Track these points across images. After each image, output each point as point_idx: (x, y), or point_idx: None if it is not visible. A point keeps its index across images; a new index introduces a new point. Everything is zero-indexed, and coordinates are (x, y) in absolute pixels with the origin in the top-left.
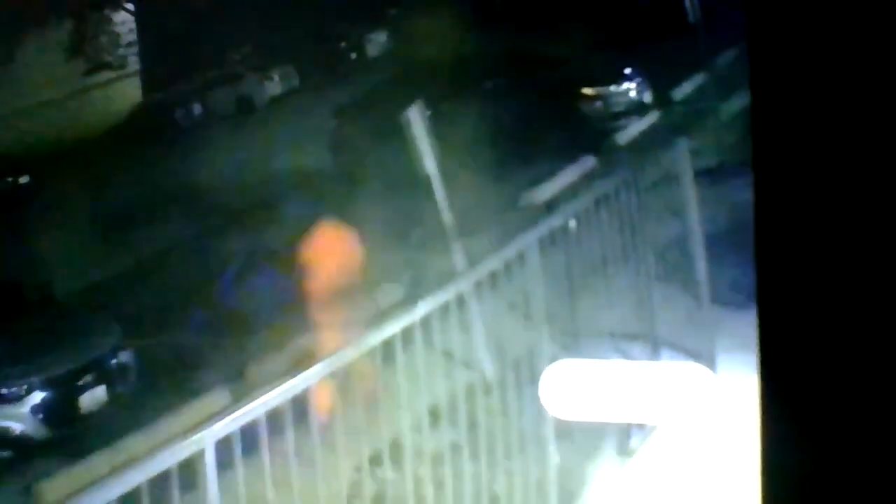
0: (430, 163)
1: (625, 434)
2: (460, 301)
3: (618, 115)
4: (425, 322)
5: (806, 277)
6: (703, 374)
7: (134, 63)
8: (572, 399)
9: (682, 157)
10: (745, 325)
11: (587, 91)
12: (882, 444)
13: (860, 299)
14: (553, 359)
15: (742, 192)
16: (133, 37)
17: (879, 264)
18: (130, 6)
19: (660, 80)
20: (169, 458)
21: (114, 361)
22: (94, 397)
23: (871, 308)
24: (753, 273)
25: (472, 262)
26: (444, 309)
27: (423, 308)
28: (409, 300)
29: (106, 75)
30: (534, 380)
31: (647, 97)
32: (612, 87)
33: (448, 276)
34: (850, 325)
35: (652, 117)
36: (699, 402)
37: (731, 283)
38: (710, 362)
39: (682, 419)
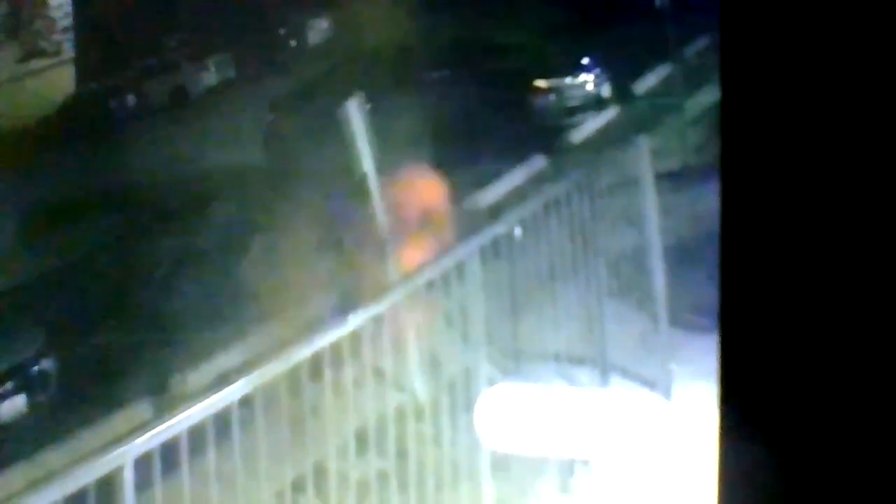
0: (367, 161)
1: (567, 469)
2: (393, 314)
3: (572, 111)
4: (355, 336)
5: (775, 298)
6: (657, 404)
7: (70, 50)
8: (510, 428)
9: (641, 159)
10: (705, 350)
11: (539, 83)
12: (845, 476)
13: (832, 324)
14: (491, 382)
15: (707, 200)
16: (69, 22)
17: (855, 287)
18: None
19: (619, 72)
20: (87, 475)
21: (35, 369)
22: (12, 406)
23: (842, 335)
24: (717, 292)
25: (408, 271)
26: (376, 322)
27: (353, 321)
28: (340, 312)
29: (41, 62)
30: (469, 405)
31: (606, 91)
32: (567, 79)
33: (381, 287)
34: (821, 351)
35: (610, 113)
36: (651, 435)
37: (691, 303)
38: (665, 390)
39: (631, 454)
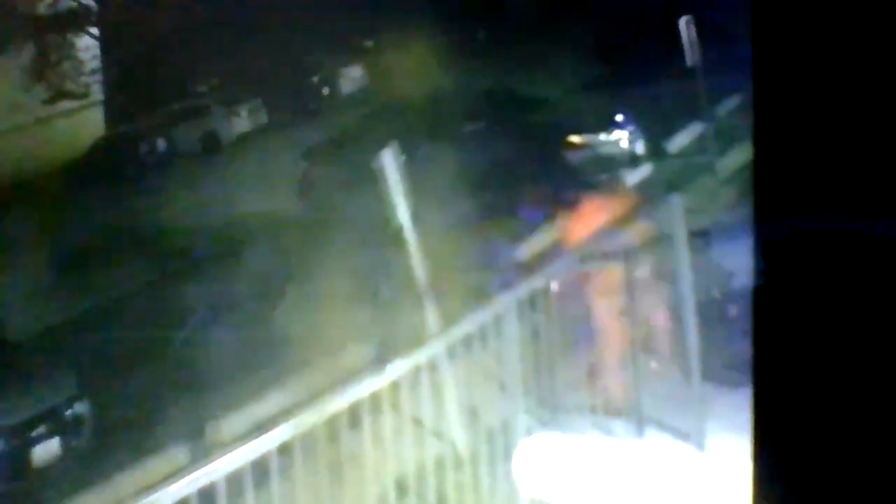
0: (403, 212)
1: None
2: (432, 365)
3: (606, 167)
4: (394, 387)
5: (807, 355)
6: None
7: (97, 92)
8: (548, 477)
9: (674, 216)
10: (737, 405)
11: (574, 139)
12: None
13: (863, 380)
14: (529, 432)
15: (740, 258)
16: (97, 64)
17: (885, 343)
18: (95, 31)
19: (653, 130)
20: None
21: (68, 412)
22: (46, 450)
23: (871, 393)
24: (749, 348)
25: (446, 323)
26: (415, 373)
27: (392, 372)
28: (378, 363)
29: (68, 104)
30: (508, 454)
31: (640, 147)
32: (602, 136)
33: (420, 338)
34: (852, 408)
35: (644, 170)
36: (685, 487)
37: (724, 359)
38: (699, 443)
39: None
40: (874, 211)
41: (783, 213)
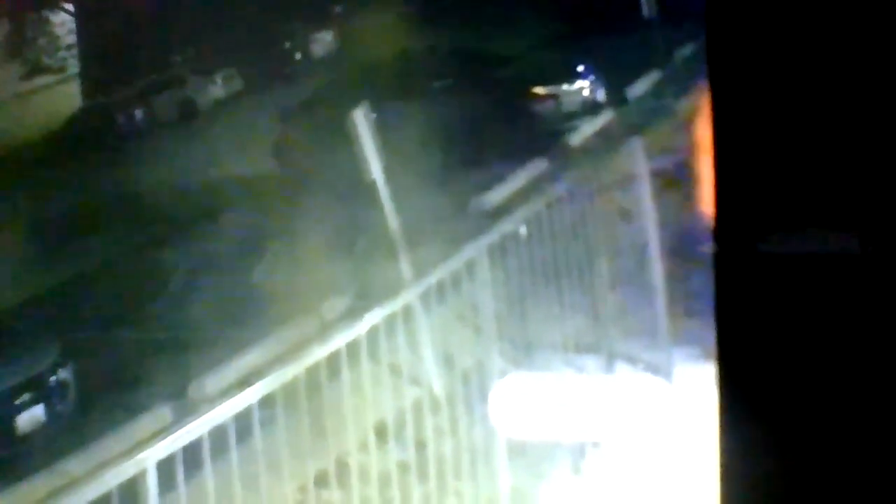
0: (375, 168)
1: (578, 452)
2: (407, 313)
3: (570, 115)
4: (371, 335)
5: (769, 281)
6: (660, 387)
7: (74, 66)
8: (524, 416)
9: (637, 157)
10: (703, 335)
11: (538, 90)
12: (841, 452)
13: (824, 306)
14: (503, 373)
15: (701, 194)
16: (73, 39)
17: (842, 271)
18: (70, 7)
19: (614, 78)
20: (109, 480)
21: (52, 379)
22: (31, 417)
23: (834, 316)
24: (712, 279)
25: (420, 272)
26: (391, 321)
27: (369, 321)
28: (355, 313)
29: (45, 79)
30: (484, 396)
31: (601, 96)
32: (565, 86)
33: (395, 287)
34: (815, 331)
35: (606, 117)
36: (656, 417)
37: (689, 291)
38: (667, 374)
39: (638, 435)
40: (829, 226)
41: (743, 234)
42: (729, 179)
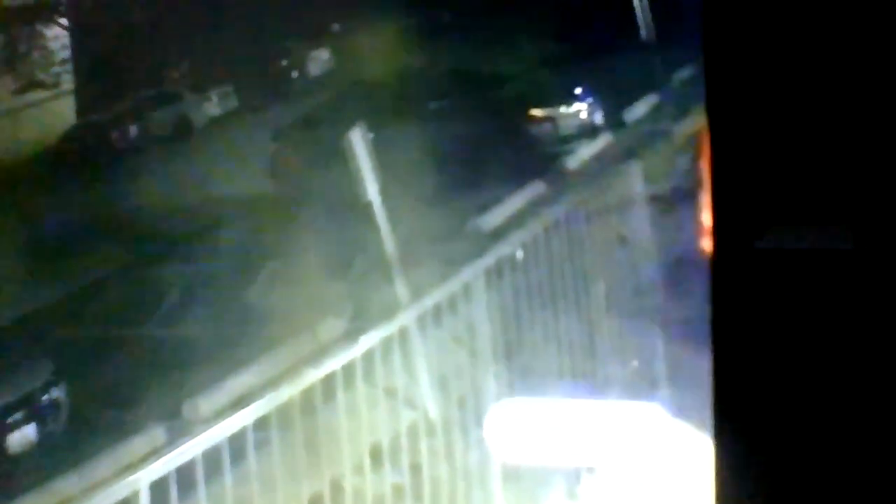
0: (372, 188)
1: (574, 477)
2: (403, 336)
3: (568, 138)
4: (367, 358)
5: (765, 310)
6: (657, 414)
7: (68, 81)
8: (519, 440)
9: (634, 182)
10: (700, 362)
11: (536, 112)
12: (836, 486)
13: (820, 337)
14: (499, 397)
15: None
16: (67, 54)
17: (838, 267)
18: (64, 21)
19: (611, 101)
20: (102, 501)
21: (45, 398)
22: (23, 436)
23: (831, 311)
24: (708, 306)
25: (416, 294)
26: (387, 344)
27: (364, 343)
28: (351, 335)
29: (39, 94)
30: (479, 420)
31: (599, 119)
32: (562, 108)
33: (391, 310)
34: (809, 365)
35: (604, 140)
36: (653, 443)
37: (686, 317)
38: (663, 399)
39: (634, 461)
40: (825, 221)
41: (740, 232)
42: (725, 177)
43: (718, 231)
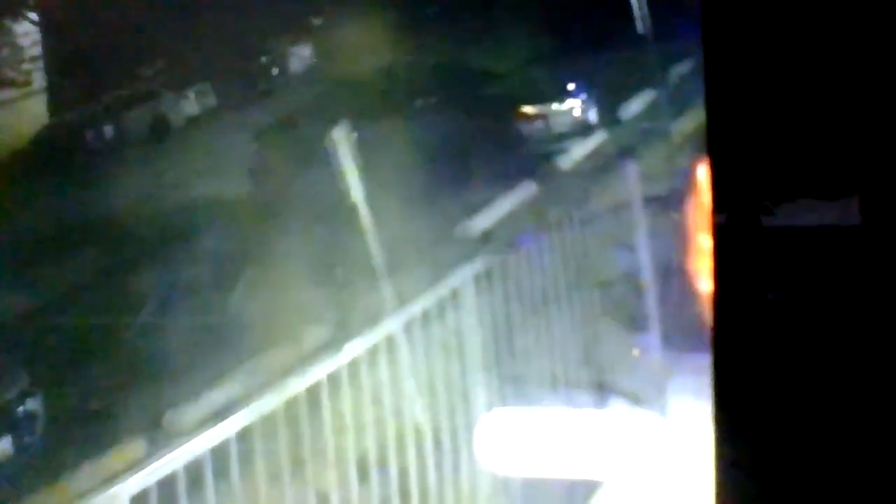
0: (356, 190)
1: (568, 488)
2: (390, 343)
3: (560, 136)
4: (353, 366)
5: (765, 315)
6: (654, 421)
7: (40, 80)
8: (510, 452)
9: (630, 182)
10: (697, 367)
11: (527, 109)
12: (833, 484)
13: (820, 340)
14: (489, 407)
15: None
16: (38, 50)
17: (842, 301)
18: (35, 17)
19: (606, 97)
20: None
21: (20, 409)
22: None
23: (830, 352)
24: (708, 311)
25: (403, 300)
26: (373, 352)
27: (350, 351)
28: (336, 342)
29: (8, 93)
30: (469, 430)
31: (593, 116)
32: (554, 105)
33: (377, 316)
34: (809, 369)
35: (598, 138)
36: (650, 452)
37: (684, 323)
38: (661, 408)
39: (632, 471)
40: (829, 197)
41: (738, 208)
42: (727, 155)
43: (722, 209)
